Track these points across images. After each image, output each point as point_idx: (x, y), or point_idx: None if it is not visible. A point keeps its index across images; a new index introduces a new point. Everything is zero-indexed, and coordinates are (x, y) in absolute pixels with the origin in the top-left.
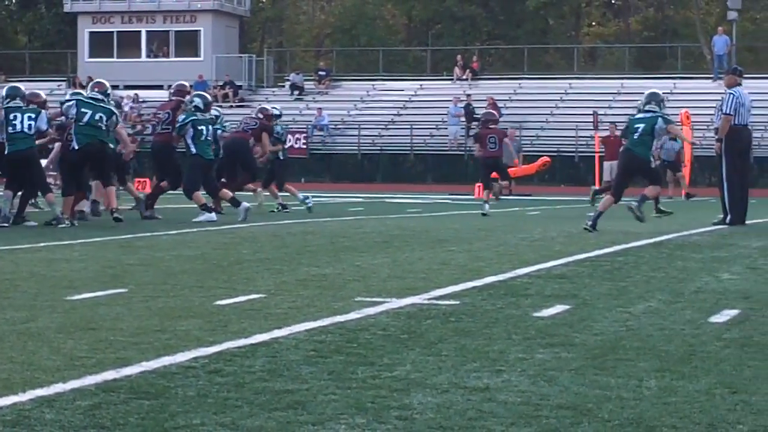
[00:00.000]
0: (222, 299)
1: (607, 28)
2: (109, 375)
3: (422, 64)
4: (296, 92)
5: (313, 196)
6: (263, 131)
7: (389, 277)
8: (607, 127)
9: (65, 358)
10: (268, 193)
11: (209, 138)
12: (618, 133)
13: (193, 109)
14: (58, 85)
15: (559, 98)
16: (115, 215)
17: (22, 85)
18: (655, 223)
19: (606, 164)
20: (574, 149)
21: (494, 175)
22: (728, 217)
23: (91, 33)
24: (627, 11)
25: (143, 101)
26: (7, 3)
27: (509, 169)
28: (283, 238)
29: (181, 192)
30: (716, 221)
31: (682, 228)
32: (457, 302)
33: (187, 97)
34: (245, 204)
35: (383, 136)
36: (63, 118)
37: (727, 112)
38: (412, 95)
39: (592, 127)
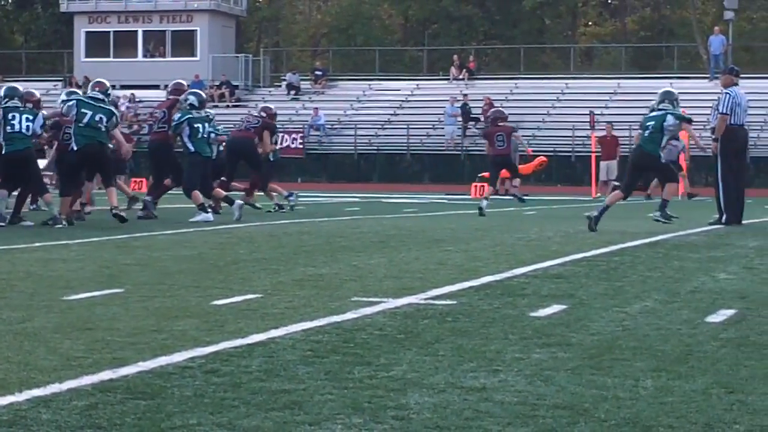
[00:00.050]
0: (219, 299)
1: (604, 27)
2: (106, 375)
3: (419, 64)
4: (293, 92)
5: (309, 196)
6: (265, 129)
7: (386, 277)
8: (603, 127)
9: (62, 358)
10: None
11: (206, 135)
12: (614, 133)
13: (188, 107)
14: (55, 85)
15: (555, 98)
16: (116, 212)
17: (18, 85)
18: (651, 223)
19: (602, 164)
20: (570, 149)
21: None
22: (724, 217)
23: (87, 33)
24: (623, 11)
25: (140, 101)
26: (3, 3)
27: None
28: (280, 238)
29: (176, 191)
30: (712, 221)
31: (678, 228)
32: (454, 302)
33: (182, 96)
34: (239, 201)
35: (380, 135)
36: (56, 117)
37: (724, 111)
38: (409, 95)
39: (588, 127)
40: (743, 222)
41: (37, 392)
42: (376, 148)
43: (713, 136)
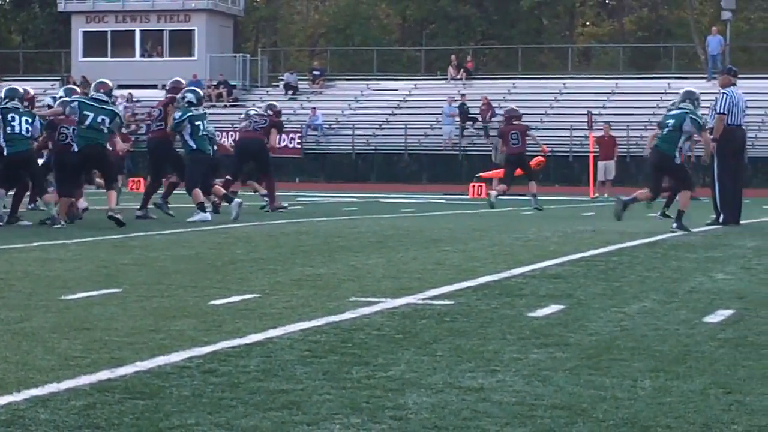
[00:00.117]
0: (216, 299)
1: (602, 28)
2: (104, 375)
3: (416, 64)
4: (290, 92)
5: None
6: (273, 128)
7: (384, 277)
8: (601, 127)
9: (60, 358)
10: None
11: (206, 132)
12: (612, 133)
13: (186, 105)
14: (52, 85)
15: (553, 98)
16: (111, 215)
17: (18, 86)
18: (650, 224)
19: (600, 164)
20: (568, 149)
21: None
22: (721, 217)
23: (85, 32)
24: (621, 11)
25: (137, 101)
26: (0, 2)
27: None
28: (278, 238)
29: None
30: (709, 221)
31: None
32: (452, 302)
33: (179, 94)
34: (237, 200)
35: (377, 135)
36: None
37: (721, 111)
38: (407, 95)
39: (586, 127)
40: (741, 222)
41: (35, 392)
42: (373, 148)
43: (711, 137)
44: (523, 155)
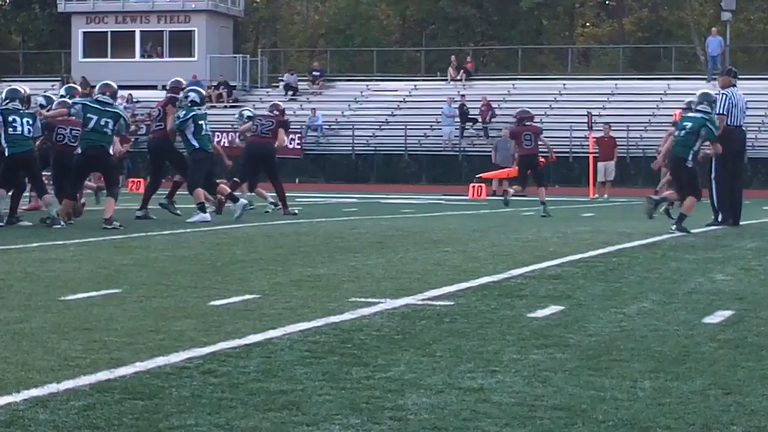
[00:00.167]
0: (216, 300)
1: (601, 28)
2: (103, 375)
3: (416, 65)
4: (290, 92)
5: (307, 197)
6: (280, 128)
7: (383, 277)
8: (601, 128)
9: (59, 359)
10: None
11: (208, 132)
12: (612, 133)
13: (190, 105)
14: (52, 85)
15: (553, 99)
16: (105, 227)
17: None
18: (649, 224)
19: (600, 165)
20: (568, 150)
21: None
22: (720, 216)
23: (85, 33)
24: (621, 12)
25: (137, 101)
26: (1, 3)
27: (504, 170)
28: (277, 238)
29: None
30: (709, 222)
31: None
32: (452, 303)
33: (181, 93)
34: (242, 201)
35: (377, 136)
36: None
37: (720, 112)
38: (407, 96)
39: (586, 128)
40: (741, 223)
41: (34, 392)
42: (373, 148)
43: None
44: (536, 157)
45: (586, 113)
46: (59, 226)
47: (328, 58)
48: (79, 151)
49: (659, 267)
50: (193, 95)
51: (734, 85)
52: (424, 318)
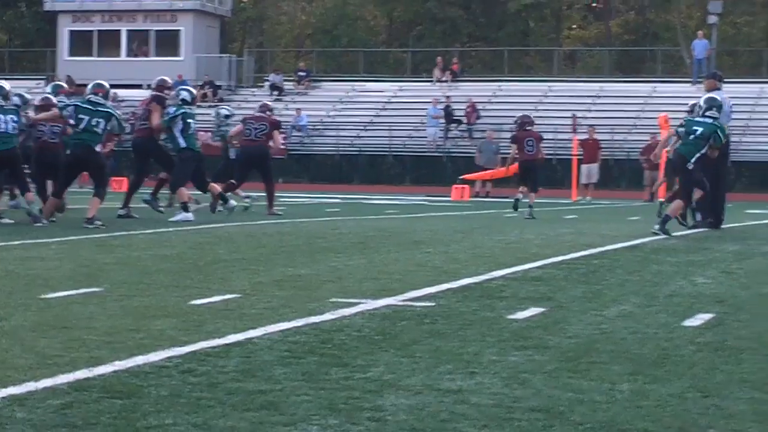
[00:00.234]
0: (197, 299)
1: (588, 31)
2: (82, 374)
3: (403, 66)
4: (276, 92)
5: (290, 197)
6: (274, 129)
7: (365, 278)
8: (586, 130)
9: (38, 357)
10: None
11: (195, 131)
12: (597, 136)
13: (180, 102)
14: (38, 84)
15: (538, 101)
16: (86, 226)
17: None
18: (631, 226)
19: (584, 167)
20: (552, 152)
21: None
22: (698, 216)
23: (71, 32)
24: (608, 14)
25: (122, 100)
26: None
27: (488, 172)
28: (260, 238)
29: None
30: (691, 224)
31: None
32: (432, 304)
33: (173, 92)
34: (232, 202)
35: (362, 137)
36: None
37: None
38: (392, 96)
39: (570, 130)
40: (723, 226)
41: (12, 390)
42: (358, 149)
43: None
44: (537, 162)
45: (571, 115)
46: (41, 224)
47: (314, 58)
48: (68, 151)
49: (640, 270)
50: (184, 93)
51: (719, 89)
52: (405, 319)
